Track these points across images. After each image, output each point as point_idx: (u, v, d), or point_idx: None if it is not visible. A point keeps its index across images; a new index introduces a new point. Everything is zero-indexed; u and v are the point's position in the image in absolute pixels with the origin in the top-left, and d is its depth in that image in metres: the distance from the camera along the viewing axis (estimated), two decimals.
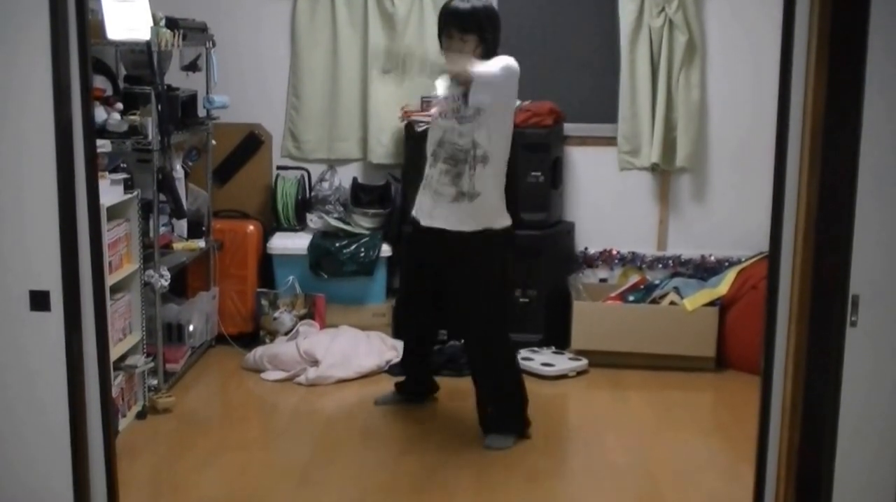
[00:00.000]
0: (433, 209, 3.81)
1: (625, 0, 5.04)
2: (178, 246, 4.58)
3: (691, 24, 5.00)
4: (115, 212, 3.89)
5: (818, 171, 2.43)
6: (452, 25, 3.71)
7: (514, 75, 3.71)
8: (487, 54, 3.74)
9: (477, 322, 3.87)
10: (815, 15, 2.41)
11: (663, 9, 5.00)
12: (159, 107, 4.06)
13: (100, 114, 3.97)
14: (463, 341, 4.05)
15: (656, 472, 3.72)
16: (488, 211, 3.76)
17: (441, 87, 3.87)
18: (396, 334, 4.75)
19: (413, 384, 4.28)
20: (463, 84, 3.69)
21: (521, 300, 4.94)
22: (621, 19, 5.06)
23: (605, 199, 5.25)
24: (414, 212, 3.95)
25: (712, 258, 5.16)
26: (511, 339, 4.03)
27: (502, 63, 3.68)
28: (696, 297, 4.76)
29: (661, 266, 5.24)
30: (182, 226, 4.68)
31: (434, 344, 4.35)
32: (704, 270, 5.14)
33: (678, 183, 5.24)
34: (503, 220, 3.82)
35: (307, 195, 5.22)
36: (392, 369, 4.57)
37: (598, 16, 5.19)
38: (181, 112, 4.48)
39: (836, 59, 2.38)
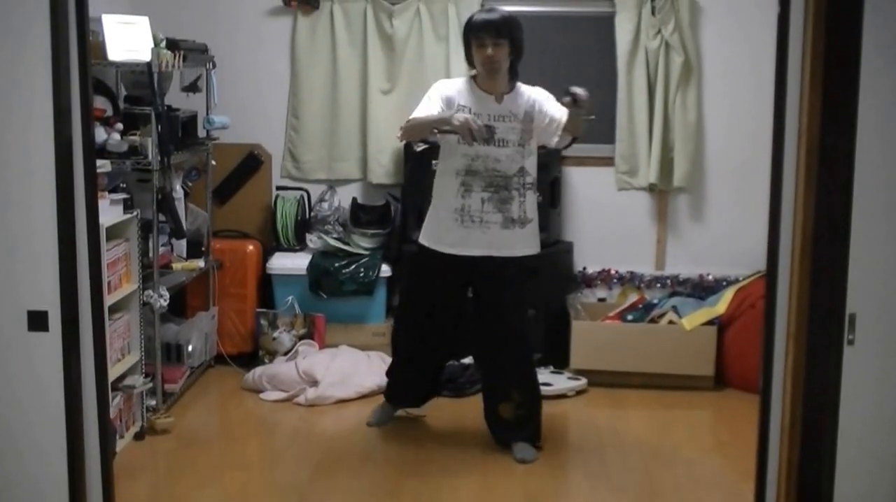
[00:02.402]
0: (475, 237, 3.82)
1: (621, 21, 5.08)
2: (177, 265, 4.58)
3: (687, 45, 5.03)
4: (115, 231, 3.90)
5: (814, 190, 2.45)
6: (486, 34, 3.74)
7: None
8: (517, 59, 3.84)
9: (521, 338, 3.96)
10: (809, 35, 2.44)
11: (659, 30, 5.03)
12: (159, 127, 4.07)
13: (100, 134, 3.98)
14: (494, 358, 4.02)
15: (657, 491, 3.71)
16: (533, 235, 3.89)
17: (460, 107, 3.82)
18: (396, 353, 4.64)
19: (409, 393, 4.25)
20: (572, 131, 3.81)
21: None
22: (618, 41, 5.09)
23: (603, 219, 5.27)
24: (431, 242, 3.90)
25: (710, 277, 5.17)
26: None
27: (551, 97, 3.86)
28: (695, 316, 4.76)
29: (659, 285, 5.24)
30: (181, 245, 4.68)
31: (444, 366, 4.35)
32: (702, 289, 5.15)
33: (676, 202, 5.26)
34: (537, 247, 3.96)
35: (307, 215, 5.23)
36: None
37: (595, 37, 5.23)
38: (181, 132, 4.49)
39: (831, 79, 2.40)
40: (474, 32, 3.78)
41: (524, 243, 3.87)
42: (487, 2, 5.14)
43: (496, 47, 3.74)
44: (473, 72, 3.92)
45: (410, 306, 4.14)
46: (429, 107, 3.84)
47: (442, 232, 3.87)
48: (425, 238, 3.95)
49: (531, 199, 3.85)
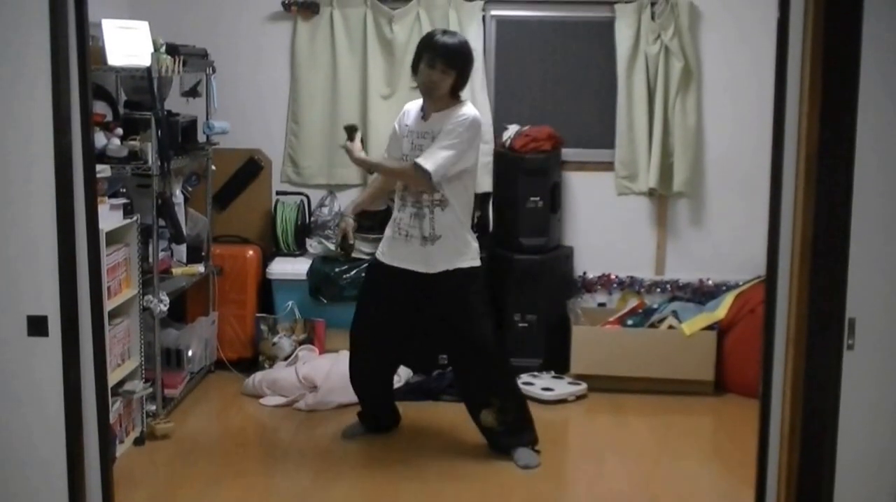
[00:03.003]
0: (403, 250, 3.88)
1: (621, 27, 5.08)
2: (177, 271, 4.58)
3: (687, 50, 5.04)
4: (115, 236, 3.90)
5: (813, 196, 2.45)
6: (439, 58, 3.75)
7: (476, 137, 3.85)
8: (455, 92, 3.82)
9: (483, 346, 3.92)
10: (809, 41, 2.44)
11: (659, 36, 5.04)
12: (159, 132, 4.08)
13: (100, 139, 3.99)
14: (469, 373, 4.03)
15: (657, 496, 3.71)
16: (450, 253, 3.84)
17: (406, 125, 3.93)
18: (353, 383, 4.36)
19: (372, 415, 4.25)
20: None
21: (521, 325, 4.95)
22: (618, 46, 5.10)
23: (603, 224, 5.27)
24: (379, 253, 4.00)
25: (710, 282, 5.17)
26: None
27: (460, 132, 3.75)
28: (695, 321, 4.76)
29: (659, 290, 5.24)
30: (181, 251, 4.69)
31: (392, 377, 4.33)
32: (702, 294, 5.15)
33: (676, 207, 5.26)
34: (466, 261, 3.87)
35: (307, 220, 5.23)
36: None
37: (595, 43, 5.23)
38: (181, 137, 4.49)
39: (830, 85, 2.40)
40: (428, 53, 3.77)
41: (441, 260, 3.83)
42: (488, 8, 5.16)
43: (442, 73, 3.75)
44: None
45: (357, 315, 4.11)
46: (392, 137, 4.03)
47: (384, 242, 4.00)
48: (380, 249, 4.03)
49: (441, 216, 3.80)
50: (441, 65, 3.74)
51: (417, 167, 3.72)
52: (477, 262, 3.91)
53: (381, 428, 4.25)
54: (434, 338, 4.34)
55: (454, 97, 3.85)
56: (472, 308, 3.90)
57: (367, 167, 4.23)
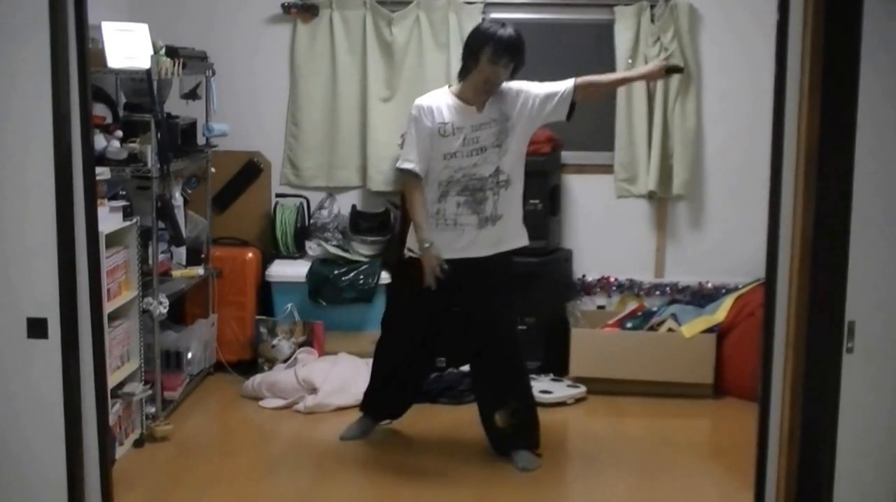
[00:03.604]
0: (454, 239, 3.81)
1: (621, 29, 5.09)
2: (176, 273, 4.58)
3: (686, 52, 5.04)
4: (114, 239, 3.90)
5: (813, 198, 2.45)
6: (509, 56, 3.69)
7: None
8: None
9: (512, 345, 3.94)
10: (808, 44, 2.44)
11: (658, 38, 5.04)
12: (159, 134, 4.08)
13: (99, 141, 3.99)
14: (486, 366, 4.01)
15: (655, 499, 3.70)
16: (511, 231, 3.86)
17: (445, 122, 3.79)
18: (378, 364, 4.33)
19: (385, 407, 4.23)
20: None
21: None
22: (617, 48, 5.10)
23: (602, 227, 5.27)
24: (417, 248, 3.83)
25: (710, 285, 5.17)
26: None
27: (525, 83, 3.83)
28: (694, 324, 4.76)
29: (658, 293, 5.24)
30: (181, 253, 4.68)
31: (427, 376, 4.32)
32: (702, 297, 5.15)
33: (675, 210, 5.26)
34: (521, 240, 3.94)
35: (306, 222, 5.23)
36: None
37: (594, 45, 5.23)
38: (181, 140, 4.50)
39: (829, 88, 2.40)
40: (496, 51, 3.68)
41: (497, 241, 3.83)
42: (488, 11, 5.16)
43: (505, 69, 3.72)
44: (453, 86, 3.86)
45: (396, 315, 4.11)
46: (415, 143, 3.77)
47: (424, 233, 3.81)
48: (410, 244, 3.93)
49: (505, 196, 3.80)
50: (507, 60, 3.70)
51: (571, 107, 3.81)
52: (526, 240, 3.95)
53: (386, 415, 4.22)
54: (460, 332, 4.11)
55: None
56: (509, 302, 3.94)
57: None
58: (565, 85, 3.82)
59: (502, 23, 3.82)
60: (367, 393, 4.25)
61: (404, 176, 3.88)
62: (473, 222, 3.80)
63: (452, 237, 3.82)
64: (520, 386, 4.00)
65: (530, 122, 3.84)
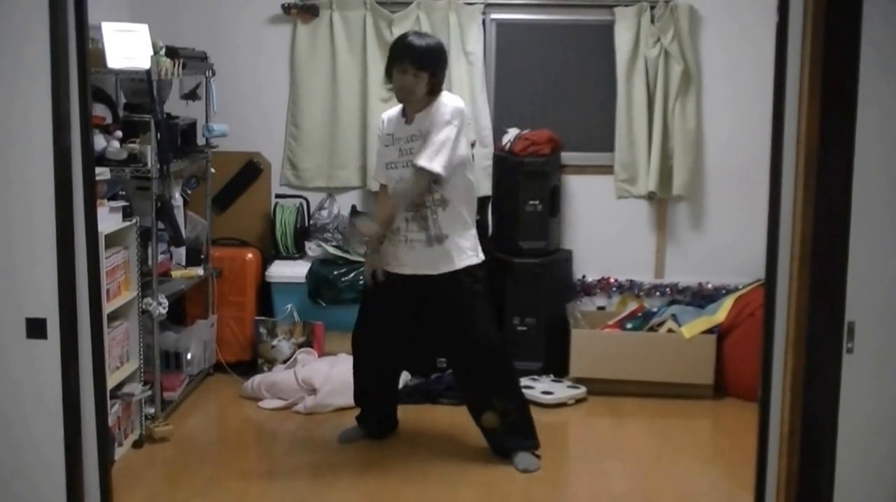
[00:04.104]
0: (406, 255, 3.84)
1: (621, 30, 5.09)
2: (176, 273, 4.58)
3: (686, 53, 5.04)
4: (114, 239, 3.90)
5: (813, 199, 2.45)
6: (408, 61, 3.72)
7: (463, 125, 3.78)
8: (433, 91, 3.78)
9: (487, 347, 3.91)
10: (808, 45, 2.44)
11: (659, 39, 5.04)
12: (159, 135, 4.08)
13: (99, 141, 3.99)
14: (471, 374, 4.02)
15: (656, 500, 3.70)
16: (456, 251, 3.82)
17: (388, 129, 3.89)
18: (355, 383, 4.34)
19: (372, 419, 4.23)
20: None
21: (520, 328, 4.94)
22: (617, 49, 5.10)
23: (602, 227, 5.27)
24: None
25: (710, 285, 5.17)
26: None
27: (447, 121, 3.70)
28: (694, 325, 4.76)
29: (658, 293, 5.24)
30: (181, 253, 4.68)
31: (396, 382, 4.32)
32: (702, 298, 5.15)
33: (675, 211, 5.26)
34: (471, 259, 3.86)
35: (306, 223, 5.23)
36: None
37: (595, 46, 5.23)
38: (180, 140, 4.50)
39: (829, 88, 2.40)
40: (398, 57, 3.74)
41: (446, 261, 3.80)
42: (488, 11, 5.16)
43: (415, 77, 3.72)
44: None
45: (360, 321, 4.10)
46: (379, 151, 4.01)
47: (383, 251, 3.90)
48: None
49: (444, 217, 3.78)
50: (413, 68, 3.71)
51: (422, 171, 3.68)
52: (479, 259, 3.89)
53: (379, 434, 4.23)
54: (433, 340, 4.32)
55: (433, 94, 3.79)
56: (475, 306, 3.88)
57: (390, 219, 3.84)
58: (421, 158, 3.69)
59: (417, 32, 3.90)
60: (357, 402, 4.28)
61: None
62: (423, 239, 3.81)
63: (405, 253, 3.84)
64: (506, 386, 3.97)
65: None
